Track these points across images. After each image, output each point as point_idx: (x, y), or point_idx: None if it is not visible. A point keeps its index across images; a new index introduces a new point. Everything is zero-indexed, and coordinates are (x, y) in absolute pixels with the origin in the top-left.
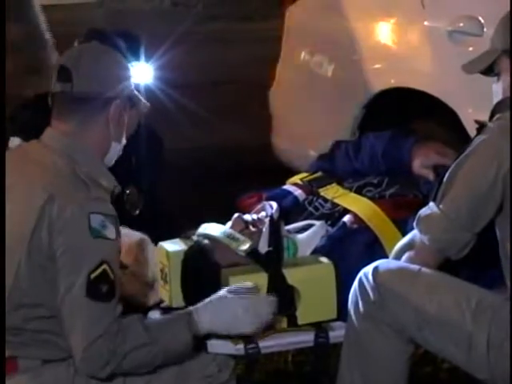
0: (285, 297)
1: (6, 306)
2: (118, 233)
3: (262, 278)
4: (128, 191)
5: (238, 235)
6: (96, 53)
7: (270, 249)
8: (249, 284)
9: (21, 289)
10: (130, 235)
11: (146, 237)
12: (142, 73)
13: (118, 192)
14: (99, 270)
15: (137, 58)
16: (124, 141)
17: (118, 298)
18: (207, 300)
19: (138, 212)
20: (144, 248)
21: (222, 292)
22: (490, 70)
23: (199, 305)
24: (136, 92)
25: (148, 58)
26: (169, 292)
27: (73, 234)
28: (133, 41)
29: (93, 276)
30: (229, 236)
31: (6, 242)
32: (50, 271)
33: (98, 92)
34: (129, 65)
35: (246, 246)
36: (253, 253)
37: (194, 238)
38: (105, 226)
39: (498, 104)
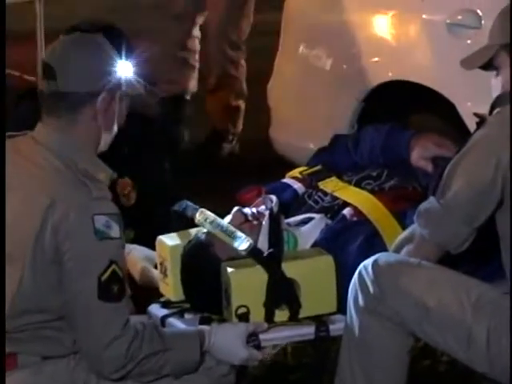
0: (286, 297)
1: (9, 312)
2: (122, 229)
3: (261, 273)
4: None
5: (237, 233)
6: (79, 47)
7: (272, 250)
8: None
9: (25, 295)
10: (132, 260)
11: (147, 264)
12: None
13: (113, 179)
14: (109, 272)
15: (119, 54)
16: (115, 130)
17: (127, 294)
18: (224, 325)
19: (132, 203)
20: (147, 275)
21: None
22: (488, 65)
23: (213, 328)
24: (128, 80)
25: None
26: (169, 286)
27: (78, 239)
28: (114, 36)
29: (103, 278)
30: (228, 233)
31: (6, 249)
32: (55, 276)
33: (83, 88)
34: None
35: (245, 246)
36: (253, 252)
37: (193, 230)
38: (109, 226)
39: (498, 98)
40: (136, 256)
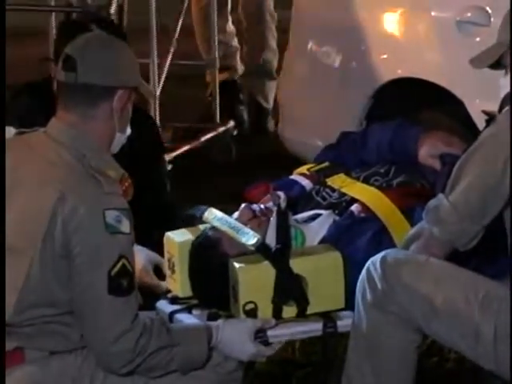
0: (294, 293)
1: (16, 307)
2: (132, 225)
3: (269, 269)
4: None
5: (245, 229)
6: (101, 43)
7: (279, 246)
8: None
9: (32, 290)
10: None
11: (148, 265)
12: None
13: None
14: (119, 266)
15: None
16: (129, 131)
17: (136, 288)
18: (231, 321)
19: (130, 198)
20: (147, 274)
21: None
22: (497, 64)
23: (221, 323)
24: (142, 81)
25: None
26: (176, 282)
27: (89, 233)
28: (107, 27)
29: (113, 272)
30: (236, 229)
31: (14, 242)
32: (64, 270)
33: (101, 82)
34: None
35: (253, 241)
36: (261, 248)
37: (201, 227)
38: (120, 220)
39: (507, 97)
40: (137, 258)
